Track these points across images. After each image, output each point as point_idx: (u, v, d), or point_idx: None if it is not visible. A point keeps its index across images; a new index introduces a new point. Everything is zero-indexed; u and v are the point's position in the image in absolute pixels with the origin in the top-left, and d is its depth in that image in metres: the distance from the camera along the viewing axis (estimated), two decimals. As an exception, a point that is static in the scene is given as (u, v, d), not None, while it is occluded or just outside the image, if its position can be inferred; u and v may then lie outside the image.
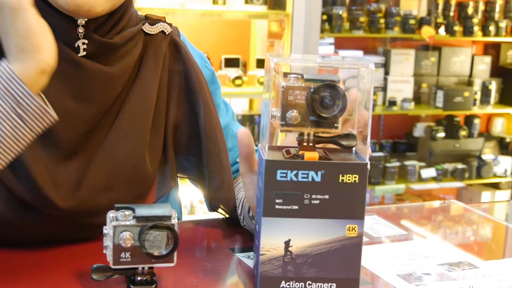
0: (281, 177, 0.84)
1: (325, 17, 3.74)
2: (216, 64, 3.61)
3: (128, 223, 0.84)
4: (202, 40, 3.69)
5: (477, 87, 4.25)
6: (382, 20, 3.90)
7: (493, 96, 4.30)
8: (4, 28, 0.85)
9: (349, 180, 0.85)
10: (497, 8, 4.26)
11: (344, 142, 0.88)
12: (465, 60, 4.24)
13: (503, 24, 4.22)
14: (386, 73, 4.04)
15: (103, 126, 1.00)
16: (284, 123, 0.85)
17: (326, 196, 0.85)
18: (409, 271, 0.98)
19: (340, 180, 0.85)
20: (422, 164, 4.18)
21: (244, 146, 0.92)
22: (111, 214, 0.85)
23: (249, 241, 1.05)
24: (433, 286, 0.93)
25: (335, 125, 0.86)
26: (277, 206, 0.85)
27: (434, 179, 4.20)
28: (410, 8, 4.05)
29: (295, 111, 0.85)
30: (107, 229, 0.85)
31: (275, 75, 0.86)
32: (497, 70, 4.40)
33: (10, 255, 0.97)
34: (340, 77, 0.87)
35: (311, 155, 0.86)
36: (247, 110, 3.89)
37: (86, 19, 0.96)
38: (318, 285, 0.87)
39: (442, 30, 4.09)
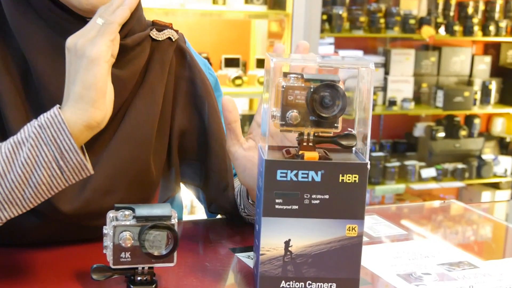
0: (281, 177, 0.84)
1: (325, 17, 3.73)
2: (216, 64, 3.61)
3: (128, 223, 0.84)
4: (202, 40, 3.69)
5: (477, 87, 4.25)
6: (382, 20, 3.90)
7: (493, 96, 4.30)
8: (74, 75, 0.86)
9: (349, 180, 0.85)
10: (497, 8, 4.26)
11: (344, 142, 0.88)
12: (465, 60, 4.24)
13: (503, 24, 4.22)
14: (386, 73, 4.04)
15: (109, 130, 1.00)
16: (284, 123, 0.85)
17: (326, 196, 0.85)
18: (409, 271, 0.98)
19: (340, 180, 0.85)
20: (422, 164, 4.18)
21: (228, 111, 0.95)
22: (111, 214, 0.85)
23: (249, 241, 1.05)
24: (433, 286, 0.93)
25: (335, 125, 0.86)
26: (277, 206, 0.85)
27: (434, 179, 4.19)
28: (410, 8, 4.05)
29: (295, 111, 0.85)
30: (107, 229, 0.85)
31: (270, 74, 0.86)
32: (497, 70, 4.39)
33: (10, 255, 0.97)
34: (340, 77, 0.87)
35: (311, 155, 0.85)
36: (247, 110, 3.88)
37: None
38: (318, 285, 0.87)
39: (442, 30, 4.08)
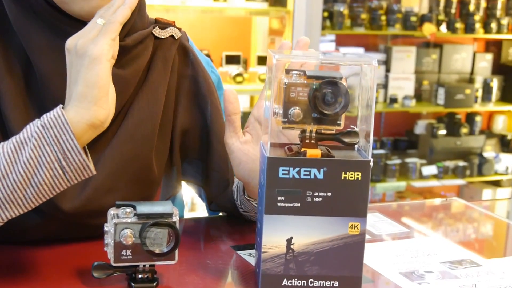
0: (283, 174, 0.84)
1: (326, 14, 3.72)
2: (217, 61, 3.61)
3: (129, 220, 0.84)
4: (202, 37, 3.68)
5: (478, 84, 4.24)
6: (383, 17, 3.89)
7: (495, 93, 4.29)
8: (75, 74, 0.86)
9: (351, 177, 0.85)
10: (499, 5, 4.25)
11: (346, 139, 0.87)
12: (466, 58, 4.23)
13: (504, 21, 4.21)
14: (387, 70, 4.03)
15: (111, 128, 1.00)
16: (286, 120, 0.85)
17: (329, 194, 0.85)
18: (411, 269, 0.97)
19: (342, 178, 0.84)
20: (423, 161, 4.17)
21: (229, 102, 0.96)
22: (112, 211, 0.85)
23: (251, 239, 1.05)
24: (435, 284, 0.93)
25: (338, 122, 0.86)
26: (279, 204, 0.84)
27: (435, 176, 4.19)
28: (412, 5, 4.04)
29: (297, 108, 0.84)
30: (108, 227, 0.84)
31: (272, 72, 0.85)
32: (498, 68, 4.38)
33: (11, 252, 0.96)
34: (342, 74, 0.86)
35: (314, 152, 0.85)
36: (248, 107, 3.88)
37: None
38: (320, 283, 0.86)
39: (443, 27, 4.07)
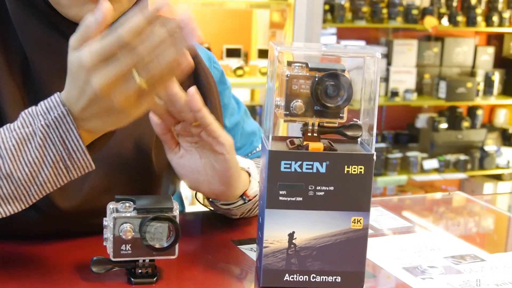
0: (285, 168, 0.83)
1: (327, 7, 3.71)
2: (217, 54, 3.59)
3: (128, 214, 0.83)
4: (203, 30, 3.63)
5: (480, 78, 4.23)
6: (384, 10, 3.87)
7: (496, 87, 4.27)
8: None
9: (354, 171, 0.83)
10: (501, -1, 4.24)
11: (349, 133, 0.86)
12: (468, 51, 4.21)
13: (506, 14, 4.19)
14: (389, 63, 4.02)
15: None
16: (288, 113, 0.83)
17: (331, 188, 0.83)
18: (414, 264, 0.96)
19: (345, 171, 0.83)
20: (424, 155, 4.16)
21: (155, 125, 0.93)
22: (111, 205, 0.84)
23: (252, 233, 1.04)
24: (439, 279, 0.91)
25: (340, 115, 0.84)
26: (281, 198, 0.83)
27: (436, 170, 4.18)
28: (413, -2, 4.02)
29: (299, 100, 0.83)
30: (107, 221, 0.83)
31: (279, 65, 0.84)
32: (500, 61, 4.37)
33: (9, 248, 0.95)
34: (345, 66, 0.85)
35: (316, 146, 0.84)
36: (249, 100, 3.86)
37: None
38: (323, 278, 0.85)
39: (445, 21, 4.05)
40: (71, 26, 0.94)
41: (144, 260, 0.85)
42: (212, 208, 1.09)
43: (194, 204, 1.13)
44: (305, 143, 0.84)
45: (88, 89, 0.78)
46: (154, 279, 0.85)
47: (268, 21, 3.80)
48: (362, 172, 0.83)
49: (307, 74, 0.83)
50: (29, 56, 0.95)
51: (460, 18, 4.06)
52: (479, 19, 4.10)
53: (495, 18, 4.16)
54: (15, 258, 0.92)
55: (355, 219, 0.84)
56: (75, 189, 0.95)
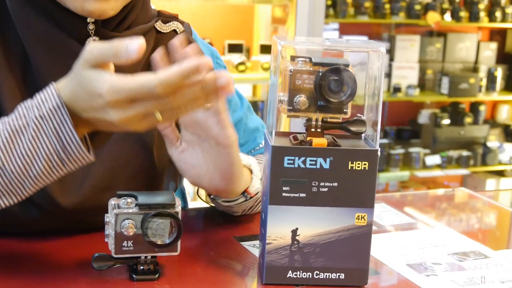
0: (288, 164, 0.82)
1: (329, 2, 3.69)
2: (219, 49, 3.58)
3: (130, 210, 0.82)
4: (205, 26, 3.65)
5: (482, 73, 4.21)
6: (387, 6, 3.86)
7: (499, 83, 4.26)
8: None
9: (358, 167, 0.83)
10: (504, -6, 4.22)
11: (353, 128, 0.85)
12: (470, 47, 4.20)
13: (509, 10, 4.17)
14: (391, 59, 4.00)
15: None
16: (291, 108, 0.83)
17: (335, 184, 0.83)
18: (419, 261, 0.95)
19: (349, 167, 0.82)
20: (427, 151, 4.15)
21: None
22: (112, 201, 0.83)
23: (255, 230, 1.03)
24: (444, 276, 0.91)
25: (344, 110, 0.84)
26: (284, 194, 0.82)
27: (438, 166, 4.16)
28: (416, -6, 4.01)
29: (303, 95, 0.82)
30: (109, 217, 0.82)
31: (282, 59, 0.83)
32: (503, 57, 4.35)
33: (10, 245, 0.95)
34: (349, 61, 0.84)
35: (319, 141, 0.83)
36: (251, 96, 3.86)
37: None
38: (326, 275, 0.84)
39: (447, 16, 4.04)
40: (73, 21, 0.93)
41: (146, 257, 0.84)
42: (214, 205, 1.08)
43: (196, 200, 1.12)
44: (308, 138, 0.84)
45: (102, 114, 0.76)
46: (156, 275, 0.85)
47: (270, 17, 3.79)
48: (366, 168, 0.83)
49: (311, 69, 0.82)
50: (29, 52, 0.94)
51: (463, 14, 4.04)
52: (482, 14, 4.08)
53: (498, 14, 4.14)
54: (16, 255, 0.92)
55: (359, 216, 0.84)
56: (76, 187, 0.94)
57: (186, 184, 1.27)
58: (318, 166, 0.82)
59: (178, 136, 0.94)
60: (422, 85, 4.11)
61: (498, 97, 4.29)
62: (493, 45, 4.30)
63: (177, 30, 1.06)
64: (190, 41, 1.08)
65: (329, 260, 0.84)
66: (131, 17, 0.98)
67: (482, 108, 4.28)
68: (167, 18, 1.05)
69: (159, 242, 0.83)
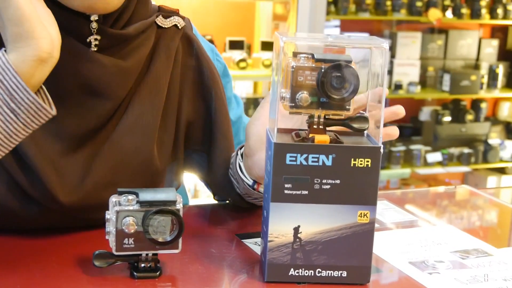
0: (290, 161, 0.81)
1: (331, -1, 3.69)
2: (220, 46, 3.57)
3: (131, 208, 0.82)
4: (206, 22, 3.64)
5: (484, 70, 4.21)
6: (388, 3, 3.85)
7: (500, 80, 4.25)
8: (1, 22, 0.81)
9: (361, 164, 0.82)
10: (505, -9, 4.21)
11: (355, 125, 0.85)
12: (472, 44, 4.19)
13: (511, 7, 4.17)
14: (392, 56, 4.00)
15: (112, 120, 0.97)
16: (293, 105, 0.82)
17: (337, 181, 0.82)
18: (421, 259, 0.95)
19: (352, 164, 0.82)
20: (428, 148, 4.15)
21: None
22: (113, 198, 0.83)
23: (257, 227, 1.03)
24: (446, 274, 0.90)
25: (347, 107, 0.83)
26: (286, 191, 0.82)
27: (439, 163, 4.16)
28: (417, -10, 4.00)
29: (305, 92, 0.82)
30: (110, 214, 0.82)
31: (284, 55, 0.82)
32: (504, 54, 4.35)
33: (10, 241, 0.94)
34: (352, 57, 0.83)
35: (322, 138, 0.82)
36: (252, 93, 3.85)
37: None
38: (328, 273, 0.84)
39: (449, 13, 4.03)
40: (75, 20, 0.92)
41: (147, 254, 0.84)
42: (245, 197, 1.07)
43: (197, 197, 1.12)
44: (310, 135, 0.83)
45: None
46: (157, 273, 0.84)
47: (271, 13, 3.79)
48: (369, 165, 0.82)
49: (313, 65, 0.82)
50: None
51: (464, 11, 4.04)
52: (484, 11, 4.08)
53: (500, 11, 4.13)
54: (16, 252, 0.91)
55: (361, 213, 0.83)
56: (76, 184, 0.94)
57: (187, 181, 1.27)
58: (320, 163, 0.82)
59: None
60: (423, 82, 4.11)
61: (499, 94, 4.28)
62: (495, 42, 4.29)
63: (178, 25, 1.05)
64: (190, 37, 1.08)
65: (331, 257, 0.84)
66: (129, 12, 0.98)
67: (483, 105, 4.27)
68: (167, 13, 1.05)
69: (160, 240, 0.82)
